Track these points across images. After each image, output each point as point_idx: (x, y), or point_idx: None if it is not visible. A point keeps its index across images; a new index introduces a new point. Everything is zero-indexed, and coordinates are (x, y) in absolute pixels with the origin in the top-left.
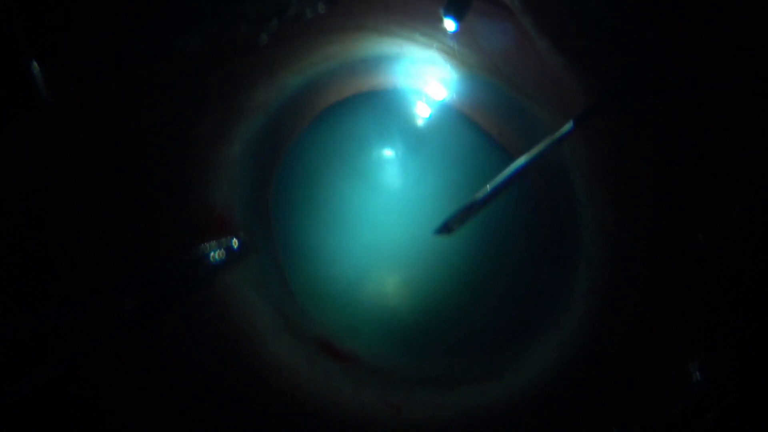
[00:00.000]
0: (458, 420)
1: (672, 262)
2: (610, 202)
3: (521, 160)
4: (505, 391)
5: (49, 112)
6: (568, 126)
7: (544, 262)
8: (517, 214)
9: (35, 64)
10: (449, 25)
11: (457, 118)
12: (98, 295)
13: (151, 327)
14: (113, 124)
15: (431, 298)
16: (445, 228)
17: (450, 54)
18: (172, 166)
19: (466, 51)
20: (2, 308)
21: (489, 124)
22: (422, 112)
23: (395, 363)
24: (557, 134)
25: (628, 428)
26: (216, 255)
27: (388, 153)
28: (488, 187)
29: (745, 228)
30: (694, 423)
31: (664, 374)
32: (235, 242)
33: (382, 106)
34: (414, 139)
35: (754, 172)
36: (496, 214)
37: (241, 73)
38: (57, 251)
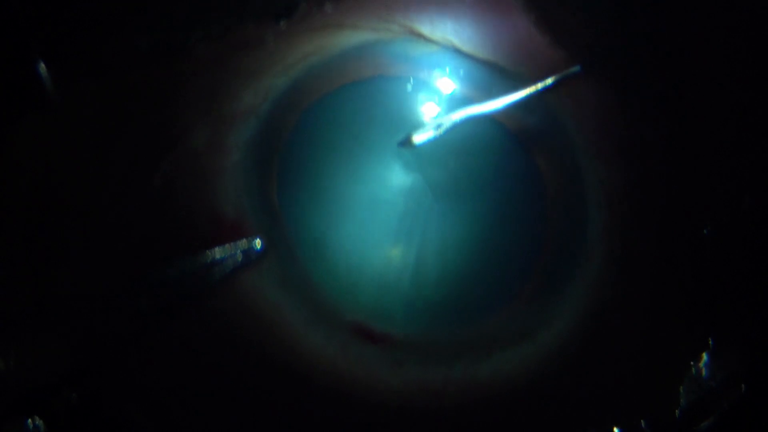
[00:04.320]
0: (497, 391)
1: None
2: (606, 155)
3: (498, 101)
4: (538, 352)
5: (56, 111)
6: (544, 83)
7: (554, 211)
8: (521, 172)
9: (42, 62)
10: None
11: (445, 100)
12: (113, 295)
13: (167, 329)
14: (116, 124)
15: (453, 267)
16: (407, 141)
17: (429, 40)
18: (175, 168)
19: (445, 34)
20: (16, 308)
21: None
22: (409, 98)
23: (429, 336)
24: (537, 85)
25: (635, 423)
26: (234, 257)
27: (383, 137)
28: (460, 112)
29: (755, 219)
30: (701, 420)
31: (670, 370)
32: (257, 243)
33: (368, 95)
34: (406, 121)
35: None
36: (499, 176)
37: (227, 79)
38: (66, 250)
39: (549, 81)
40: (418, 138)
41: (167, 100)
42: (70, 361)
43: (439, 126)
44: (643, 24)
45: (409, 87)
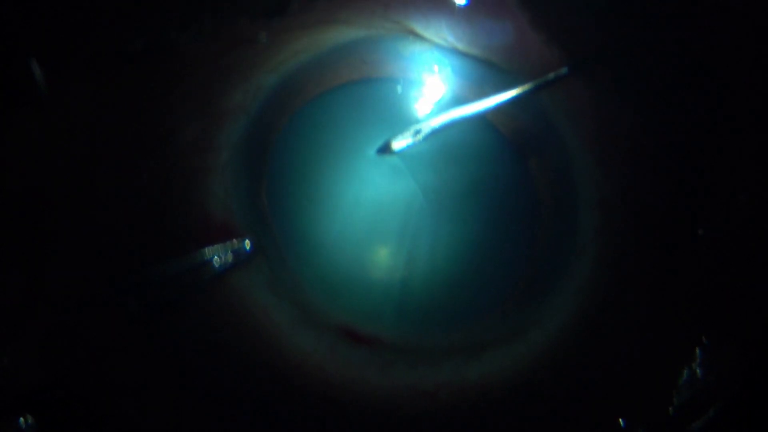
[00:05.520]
0: (488, 392)
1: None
2: (601, 156)
3: (482, 103)
4: (530, 350)
5: (48, 109)
6: (530, 85)
7: (545, 212)
8: (513, 174)
9: (34, 61)
10: None
11: (437, 101)
12: (102, 296)
13: (157, 329)
14: (107, 122)
15: (443, 268)
16: (386, 148)
17: (421, 37)
18: (165, 167)
19: (439, 30)
20: (9, 308)
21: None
22: (401, 99)
23: (419, 338)
24: (522, 88)
25: (629, 422)
26: (223, 258)
27: (374, 139)
28: (441, 118)
29: (749, 218)
30: (695, 419)
31: (665, 370)
32: (244, 245)
33: (359, 97)
34: (397, 123)
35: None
36: (489, 177)
37: (218, 76)
38: (56, 249)
39: (536, 83)
40: (397, 144)
41: (158, 97)
42: (61, 360)
43: (417, 132)
44: (638, 24)
45: (399, 89)
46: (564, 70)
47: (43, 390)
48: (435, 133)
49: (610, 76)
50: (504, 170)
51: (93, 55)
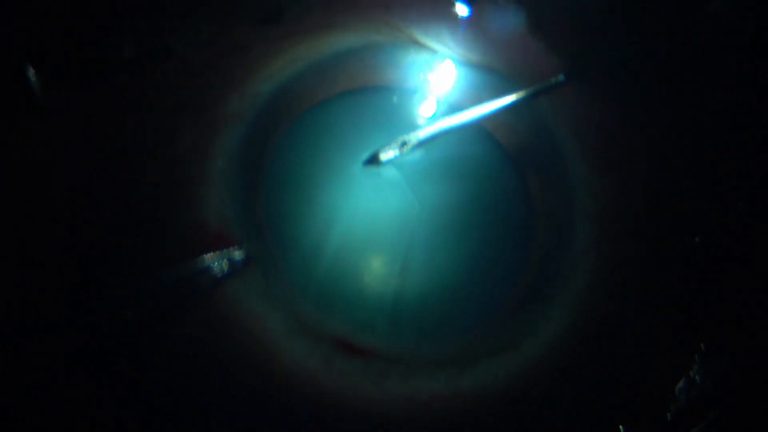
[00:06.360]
0: (483, 402)
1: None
2: (598, 165)
3: (470, 112)
4: (524, 361)
5: (44, 115)
6: (524, 93)
7: (541, 222)
8: (509, 183)
9: (31, 68)
10: (461, 10)
11: (437, 109)
12: (99, 303)
13: (151, 337)
14: (102, 129)
15: (437, 280)
16: (374, 159)
17: (421, 44)
18: (160, 174)
19: (440, 36)
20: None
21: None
22: (398, 108)
23: (413, 349)
24: (513, 96)
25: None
26: (218, 267)
27: (370, 149)
28: (429, 129)
29: (746, 227)
30: (693, 426)
31: (661, 377)
32: (238, 254)
33: (356, 106)
34: (395, 132)
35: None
36: (483, 185)
37: (214, 83)
38: (50, 255)
39: (530, 91)
40: (385, 156)
41: (153, 104)
42: (55, 364)
43: (404, 144)
44: (635, 31)
45: (397, 98)
46: (561, 77)
47: (40, 398)
48: (423, 143)
49: (607, 84)
50: (501, 181)
51: (88, 61)
